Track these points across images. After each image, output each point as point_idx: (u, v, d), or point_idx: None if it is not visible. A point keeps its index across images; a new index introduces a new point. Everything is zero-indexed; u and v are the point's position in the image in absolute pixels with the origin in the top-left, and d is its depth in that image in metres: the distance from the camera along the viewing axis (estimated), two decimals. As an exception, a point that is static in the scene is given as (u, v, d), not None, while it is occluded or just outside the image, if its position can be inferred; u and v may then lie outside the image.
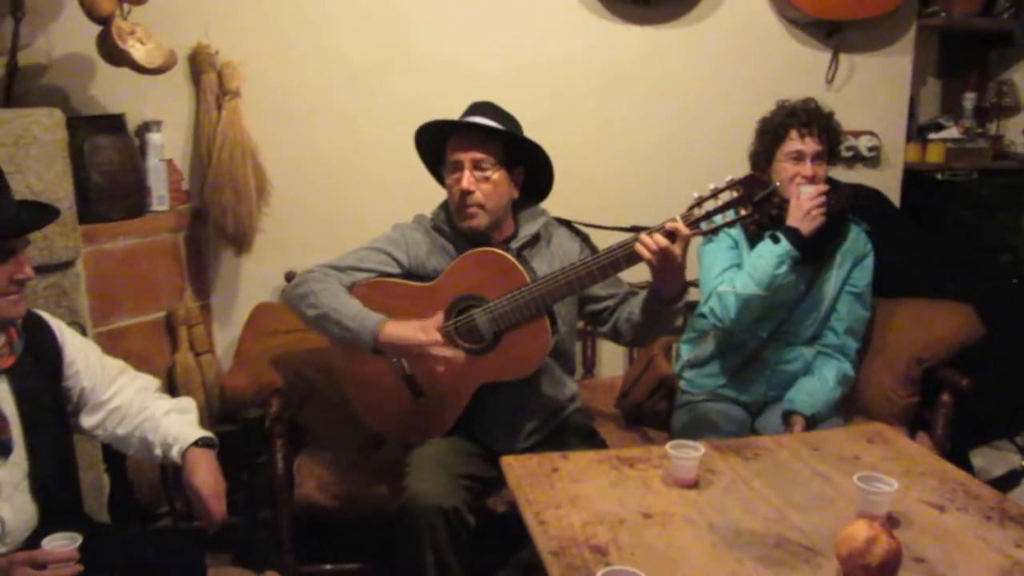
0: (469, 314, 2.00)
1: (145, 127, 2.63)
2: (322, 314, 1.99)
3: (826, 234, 2.30)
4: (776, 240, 2.15)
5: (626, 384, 2.61)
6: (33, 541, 1.58)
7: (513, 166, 2.06)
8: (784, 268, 2.19)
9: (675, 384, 2.51)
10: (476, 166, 2.00)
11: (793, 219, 2.21)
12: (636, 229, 1.85)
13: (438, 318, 1.97)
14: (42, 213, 1.65)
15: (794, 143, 2.27)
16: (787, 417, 2.29)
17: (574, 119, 2.87)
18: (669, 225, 1.78)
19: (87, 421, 1.81)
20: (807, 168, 2.26)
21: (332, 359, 2.20)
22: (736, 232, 2.34)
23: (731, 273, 2.30)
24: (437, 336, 1.92)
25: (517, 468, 1.74)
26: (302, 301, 2.03)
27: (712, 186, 1.79)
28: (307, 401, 2.35)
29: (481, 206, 2.01)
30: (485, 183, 2.01)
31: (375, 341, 1.94)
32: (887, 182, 3.04)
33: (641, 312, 1.99)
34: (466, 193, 2.00)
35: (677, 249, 1.77)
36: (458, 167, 2.02)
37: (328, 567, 2.39)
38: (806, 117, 2.28)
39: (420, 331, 1.93)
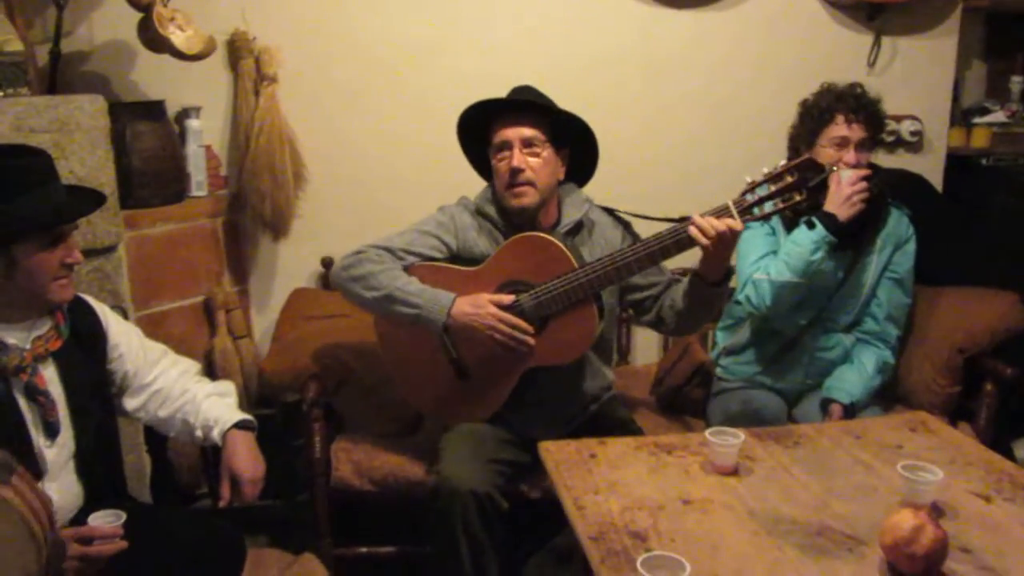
0: (516, 299, 1.99)
1: (184, 113, 2.67)
2: (386, 295, 1.98)
3: (865, 218, 2.26)
4: (811, 226, 2.12)
5: (661, 371, 2.59)
6: (79, 519, 1.62)
7: (560, 146, 2.05)
8: (820, 254, 2.16)
9: (711, 371, 2.49)
10: (525, 144, 2.00)
11: (831, 204, 2.17)
12: (684, 220, 1.83)
13: (509, 298, 1.98)
14: (90, 199, 1.68)
15: (840, 128, 2.22)
16: (825, 405, 2.27)
17: (615, 105, 2.85)
18: (720, 218, 1.77)
19: (130, 403, 1.84)
20: (851, 155, 2.21)
21: (378, 340, 2.19)
22: (774, 219, 2.31)
23: (767, 260, 2.27)
24: (509, 316, 1.94)
25: (555, 453, 1.74)
26: (358, 283, 2.02)
27: (765, 170, 1.76)
28: (343, 386, 2.37)
29: (531, 183, 2.00)
30: (535, 159, 2.00)
31: (448, 318, 1.95)
32: (930, 167, 2.98)
33: (685, 298, 1.98)
34: (517, 171, 1.99)
35: (733, 231, 1.76)
36: (507, 146, 2.01)
37: (363, 550, 2.41)
38: (855, 103, 2.23)
39: (492, 305, 1.95)
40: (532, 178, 2.00)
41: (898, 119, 2.92)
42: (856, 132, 2.22)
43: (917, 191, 2.80)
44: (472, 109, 2.06)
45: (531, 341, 1.96)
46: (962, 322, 2.46)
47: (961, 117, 3.11)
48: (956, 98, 3.06)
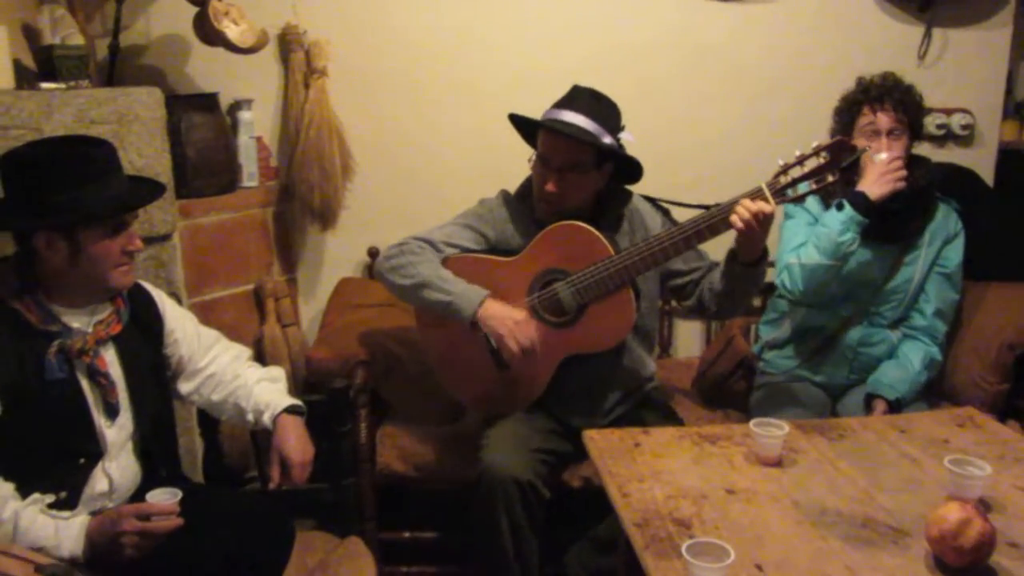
0: (553, 287, 2.01)
1: (236, 105, 2.72)
2: (421, 283, 2.02)
3: (910, 212, 2.25)
4: (840, 207, 2.11)
5: (704, 363, 2.59)
6: (137, 498, 1.67)
7: (603, 162, 2.02)
8: (849, 235, 2.12)
9: (754, 364, 2.48)
10: (564, 168, 1.98)
11: (863, 183, 2.15)
12: (718, 206, 1.84)
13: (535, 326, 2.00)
14: (151, 189, 1.73)
15: (867, 118, 2.22)
16: (869, 401, 2.25)
17: (659, 97, 2.86)
18: (753, 200, 1.77)
19: (184, 387, 1.90)
20: (883, 144, 2.20)
21: (419, 330, 2.23)
22: (816, 208, 2.31)
23: (803, 248, 2.26)
24: (529, 341, 1.96)
25: (599, 442, 1.75)
26: (396, 272, 2.06)
27: (798, 152, 1.77)
28: (390, 373, 2.40)
29: (561, 205, 2.01)
30: (571, 185, 1.99)
31: (475, 314, 1.97)
32: (981, 161, 2.93)
33: (723, 279, 1.98)
34: (549, 193, 2.00)
35: (765, 213, 1.77)
36: (546, 164, 2.00)
37: (407, 534, 2.45)
38: (879, 92, 2.22)
39: (515, 326, 1.96)
40: (562, 202, 2.00)
41: (949, 112, 2.88)
42: (884, 120, 2.20)
43: (967, 185, 2.76)
44: (520, 118, 2.05)
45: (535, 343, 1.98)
46: (1012, 318, 2.42)
47: (1014, 110, 3.05)
48: (1009, 90, 3.00)
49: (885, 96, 2.21)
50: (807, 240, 2.26)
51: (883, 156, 2.15)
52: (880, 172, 2.13)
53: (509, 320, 1.97)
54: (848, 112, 2.27)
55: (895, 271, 2.30)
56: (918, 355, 2.29)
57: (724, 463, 1.67)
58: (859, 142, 2.21)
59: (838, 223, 2.13)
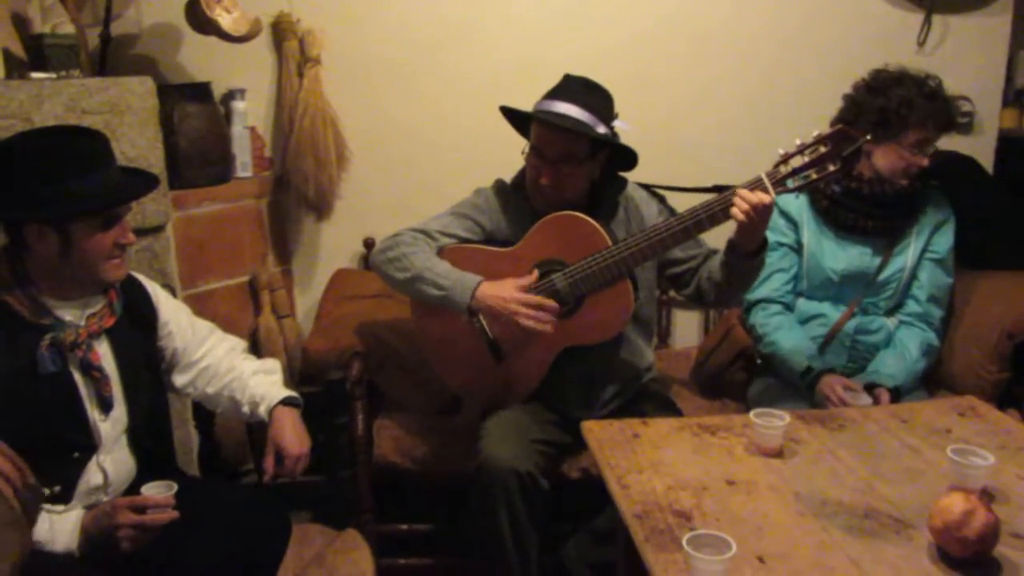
0: (550, 278, 2.00)
1: (230, 95, 2.70)
2: (415, 275, 2.00)
3: (899, 208, 2.25)
4: (807, 372, 2.20)
5: (703, 354, 2.58)
6: (132, 491, 1.66)
7: (598, 152, 2.00)
8: (793, 378, 2.24)
9: (753, 355, 2.47)
10: (559, 160, 1.96)
11: (823, 388, 2.16)
12: (717, 189, 1.83)
13: (533, 276, 1.98)
14: (145, 181, 1.70)
15: (928, 132, 2.17)
16: (869, 390, 2.24)
17: (658, 86, 2.83)
18: (753, 190, 1.76)
19: (179, 380, 1.88)
20: (925, 159, 2.18)
21: (415, 321, 2.21)
22: (797, 210, 2.30)
23: (775, 281, 2.31)
24: (532, 296, 1.94)
25: (598, 433, 1.74)
26: (391, 264, 2.05)
27: (798, 142, 1.75)
28: (386, 364, 2.39)
29: (556, 196, 1.99)
30: (565, 176, 1.97)
31: (472, 300, 1.95)
32: (980, 149, 2.91)
33: (722, 269, 1.96)
34: (544, 185, 1.98)
35: (764, 204, 1.75)
36: (539, 156, 1.98)
37: (404, 527, 2.44)
38: (945, 112, 2.19)
39: (516, 289, 1.94)
40: (557, 193, 1.98)
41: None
42: (934, 134, 2.20)
43: (966, 173, 2.74)
44: (512, 110, 2.04)
45: (549, 328, 1.94)
46: (1012, 307, 2.41)
47: (1014, 97, 3.03)
48: (1009, 78, 2.98)
49: (950, 115, 2.21)
50: (775, 271, 2.31)
51: (851, 400, 2.10)
52: (825, 396, 2.15)
53: (506, 302, 1.94)
54: (905, 120, 2.15)
55: (886, 262, 2.29)
56: (915, 342, 2.28)
57: (724, 454, 1.65)
58: (904, 150, 2.17)
59: (794, 372, 2.23)
